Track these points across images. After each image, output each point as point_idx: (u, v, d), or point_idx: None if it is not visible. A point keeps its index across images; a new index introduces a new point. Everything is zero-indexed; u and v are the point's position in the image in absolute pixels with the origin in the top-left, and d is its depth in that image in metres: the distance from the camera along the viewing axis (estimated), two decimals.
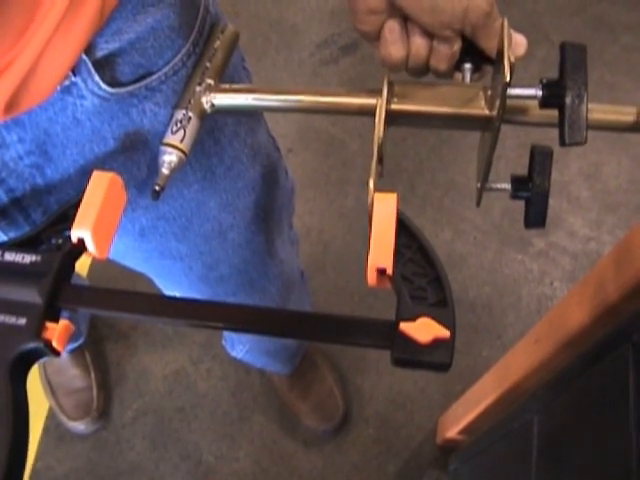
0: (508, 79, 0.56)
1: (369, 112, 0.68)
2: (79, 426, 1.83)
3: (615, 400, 0.81)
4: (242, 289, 1.11)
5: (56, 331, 0.54)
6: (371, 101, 0.68)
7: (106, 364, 1.94)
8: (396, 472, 1.80)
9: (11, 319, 0.54)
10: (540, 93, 0.61)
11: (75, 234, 0.58)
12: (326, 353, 1.89)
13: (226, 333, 1.56)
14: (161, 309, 0.57)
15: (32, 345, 0.53)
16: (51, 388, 1.85)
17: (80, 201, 0.59)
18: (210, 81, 0.71)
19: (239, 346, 1.53)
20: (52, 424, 1.86)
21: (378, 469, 1.81)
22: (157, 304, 0.58)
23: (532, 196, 0.65)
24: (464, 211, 2.08)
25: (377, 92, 0.67)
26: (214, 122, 0.79)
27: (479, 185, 0.67)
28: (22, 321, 0.54)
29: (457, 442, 1.67)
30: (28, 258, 0.57)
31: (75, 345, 1.79)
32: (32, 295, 0.55)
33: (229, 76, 0.78)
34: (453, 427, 1.61)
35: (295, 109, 0.72)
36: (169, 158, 0.68)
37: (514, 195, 0.66)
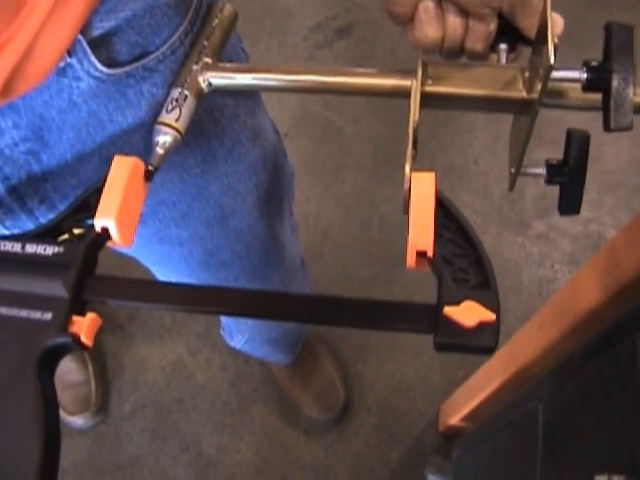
0: (553, 61, 0.54)
1: (402, 94, 0.67)
2: (78, 420, 1.81)
3: (623, 389, 0.80)
4: (243, 275, 1.09)
5: (84, 324, 0.53)
6: (405, 82, 0.66)
7: (103, 356, 1.92)
8: (399, 460, 1.79)
9: (36, 314, 0.53)
10: (585, 76, 0.59)
11: (99, 223, 0.56)
12: (326, 341, 1.88)
13: (225, 322, 1.54)
14: (191, 298, 0.56)
15: (60, 340, 0.52)
16: None
17: (102, 188, 0.57)
18: (208, 60, 0.70)
19: (238, 336, 1.51)
20: None
21: (381, 457, 1.80)
22: (186, 294, 0.56)
23: (568, 181, 0.63)
24: (463, 194, 2.05)
25: (410, 73, 0.66)
26: (213, 102, 0.77)
27: (513, 170, 0.66)
28: (48, 316, 0.53)
29: (460, 429, 1.67)
30: (50, 249, 0.56)
31: None
32: (57, 288, 0.53)
33: (227, 56, 0.76)
34: (456, 414, 1.60)
35: (315, 89, 0.70)
36: (164, 138, 0.66)
37: (549, 180, 0.64)
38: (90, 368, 1.85)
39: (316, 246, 2.02)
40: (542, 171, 0.64)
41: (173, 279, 1.07)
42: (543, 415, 1.01)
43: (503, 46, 0.66)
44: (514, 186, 0.67)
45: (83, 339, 0.53)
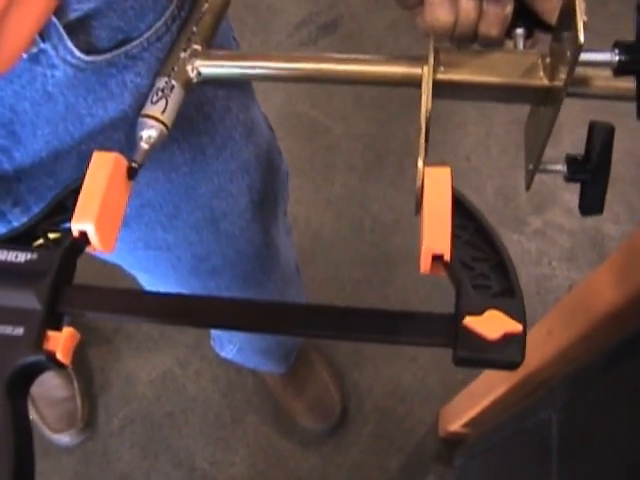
0: (582, 41, 0.49)
1: (412, 83, 0.62)
2: (64, 438, 1.76)
3: None
4: (235, 283, 1.05)
5: (60, 340, 0.48)
6: (415, 70, 0.61)
7: (89, 371, 1.87)
8: (399, 468, 1.74)
9: (6, 329, 0.48)
10: (617, 58, 0.54)
11: (76, 227, 0.51)
12: (320, 348, 1.84)
13: (214, 332, 1.50)
14: (179, 310, 0.51)
15: (33, 358, 0.47)
16: (32, 399, 1.78)
17: (80, 187, 0.52)
18: (197, 47, 0.65)
19: (229, 346, 1.47)
20: (35, 437, 1.73)
21: (380, 466, 1.76)
22: (174, 304, 0.52)
23: (590, 178, 0.59)
24: None
25: (420, 60, 0.61)
26: (203, 95, 0.72)
27: (531, 166, 0.61)
28: (19, 331, 0.48)
29: (462, 435, 1.62)
30: (22, 256, 0.51)
31: None
32: (29, 300, 0.49)
33: (218, 45, 0.71)
34: (457, 420, 1.56)
35: (316, 78, 0.66)
36: (148, 132, 0.61)
37: (570, 177, 0.60)
38: (75, 383, 1.80)
39: (306, 249, 1.98)
40: (562, 167, 0.60)
41: (160, 288, 1.04)
42: (557, 426, 0.95)
43: (520, 31, 0.62)
44: (532, 184, 0.63)
45: (59, 357, 0.48)
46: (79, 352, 1.88)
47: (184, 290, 1.01)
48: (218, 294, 1.03)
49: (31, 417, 1.78)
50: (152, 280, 1.04)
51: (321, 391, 1.78)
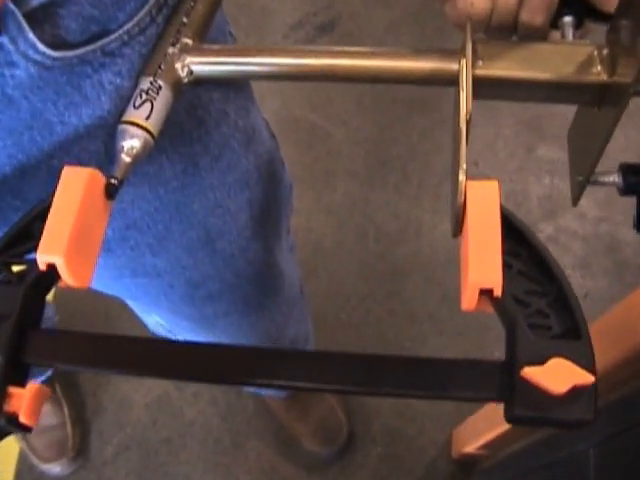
0: None
1: (445, 80, 0.56)
2: (54, 468, 1.70)
3: None
4: (234, 309, 0.98)
5: (23, 399, 0.42)
6: (449, 65, 0.55)
7: (80, 395, 1.81)
8: None
9: None
10: None
11: (43, 259, 0.45)
12: None
13: None
14: (172, 362, 0.45)
15: None
16: None
17: (48, 210, 0.47)
18: (187, 41, 0.58)
19: None
20: (24, 468, 1.74)
21: None
22: (165, 355, 0.45)
23: None
24: None
25: (455, 54, 0.55)
26: (196, 98, 0.66)
27: (581, 178, 0.55)
28: None
29: (477, 456, 1.55)
30: None
31: (43, 377, 1.64)
32: None
33: (212, 39, 0.65)
34: (472, 442, 1.50)
35: (330, 76, 0.59)
36: (130, 142, 0.55)
37: (626, 190, 0.55)
38: (65, 409, 1.73)
39: (308, 261, 1.92)
40: (617, 179, 0.55)
41: (152, 314, 0.99)
42: (595, 460, 0.88)
43: (568, 19, 0.56)
44: (580, 198, 0.58)
45: (22, 419, 0.42)
46: (69, 375, 1.83)
47: (178, 318, 0.95)
48: (215, 320, 0.98)
49: (19, 447, 1.73)
50: (143, 307, 0.98)
51: (326, 413, 1.72)
